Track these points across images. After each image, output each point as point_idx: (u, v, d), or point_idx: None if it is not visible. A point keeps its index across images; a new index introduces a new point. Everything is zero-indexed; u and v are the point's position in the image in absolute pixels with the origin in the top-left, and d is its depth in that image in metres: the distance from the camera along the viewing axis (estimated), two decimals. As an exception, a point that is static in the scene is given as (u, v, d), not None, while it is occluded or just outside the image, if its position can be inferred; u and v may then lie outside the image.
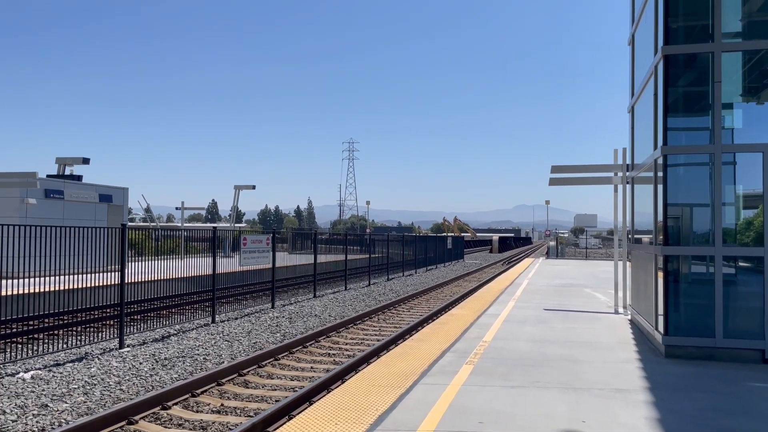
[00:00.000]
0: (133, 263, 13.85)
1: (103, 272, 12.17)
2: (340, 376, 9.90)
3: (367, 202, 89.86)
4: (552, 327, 11.91)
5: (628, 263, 14.37)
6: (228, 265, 20.62)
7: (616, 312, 14.24)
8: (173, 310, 15.56)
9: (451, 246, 49.65)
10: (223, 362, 11.10)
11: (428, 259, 41.23)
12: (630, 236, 13.80)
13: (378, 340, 13.54)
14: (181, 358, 11.26)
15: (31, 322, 13.13)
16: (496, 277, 29.49)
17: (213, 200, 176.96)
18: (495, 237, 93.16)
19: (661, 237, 9.41)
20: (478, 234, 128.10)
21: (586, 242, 69.21)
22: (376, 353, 11.79)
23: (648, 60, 10.88)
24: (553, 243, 58.61)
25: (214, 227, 17.24)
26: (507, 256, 65.54)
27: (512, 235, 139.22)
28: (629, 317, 13.27)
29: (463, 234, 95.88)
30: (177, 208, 45.06)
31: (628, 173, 13.90)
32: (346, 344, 13.35)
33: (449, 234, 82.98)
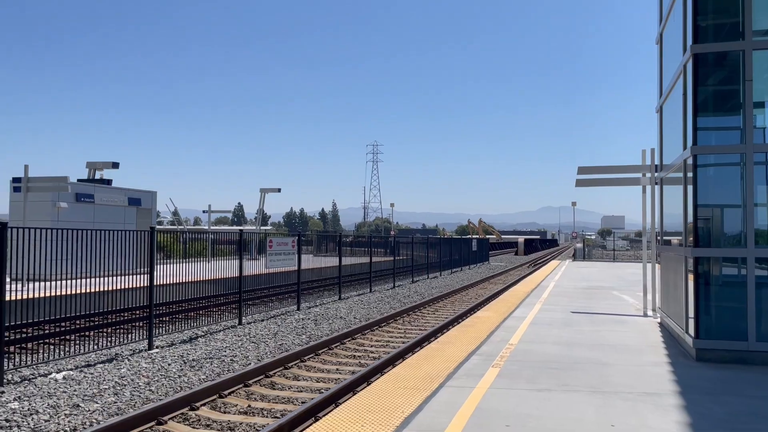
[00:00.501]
0: (161, 265, 14.05)
1: (132, 274, 12.37)
2: (366, 378, 9.91)
3: (392, 205, 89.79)
4: (579, 330, 11.78)
5: (657, 265, 14.16)
6: (254, 267, 20.80)
7: (645, 315, 14.03)
8: (201, 312, 15.74)
9: (476, 248, 49.40)
10: (250, 364, 11.20)
11: (453, 261, 41.08)
12: (659, 238, 13.60)
13: (403, 342, 13.53)
14: (208, 360, 11.39)
15: (63, 324, 13.40)
16: (522, 279, 29.26)
17: (239, 203, 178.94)
18: (520, 239, 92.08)
19: (692, 238, 9.26)
20: (503, 236, 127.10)
21: (613, 244, 68.22)
22: (402, 355, 11.79)
23: (676, 59, 10.71)
24: (579, 245, 57.98)
25: (241, 230, 17.42)
26: (533, 259, 65.00)
27: (538, 237, 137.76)
28: (659, 320, 13.07)
29: (488, 236, 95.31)
30: (204, 211, 45.55)
31: (656, 174, 13.69)
32: (372, 346, 13.37)
33: (474, 236, 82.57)
